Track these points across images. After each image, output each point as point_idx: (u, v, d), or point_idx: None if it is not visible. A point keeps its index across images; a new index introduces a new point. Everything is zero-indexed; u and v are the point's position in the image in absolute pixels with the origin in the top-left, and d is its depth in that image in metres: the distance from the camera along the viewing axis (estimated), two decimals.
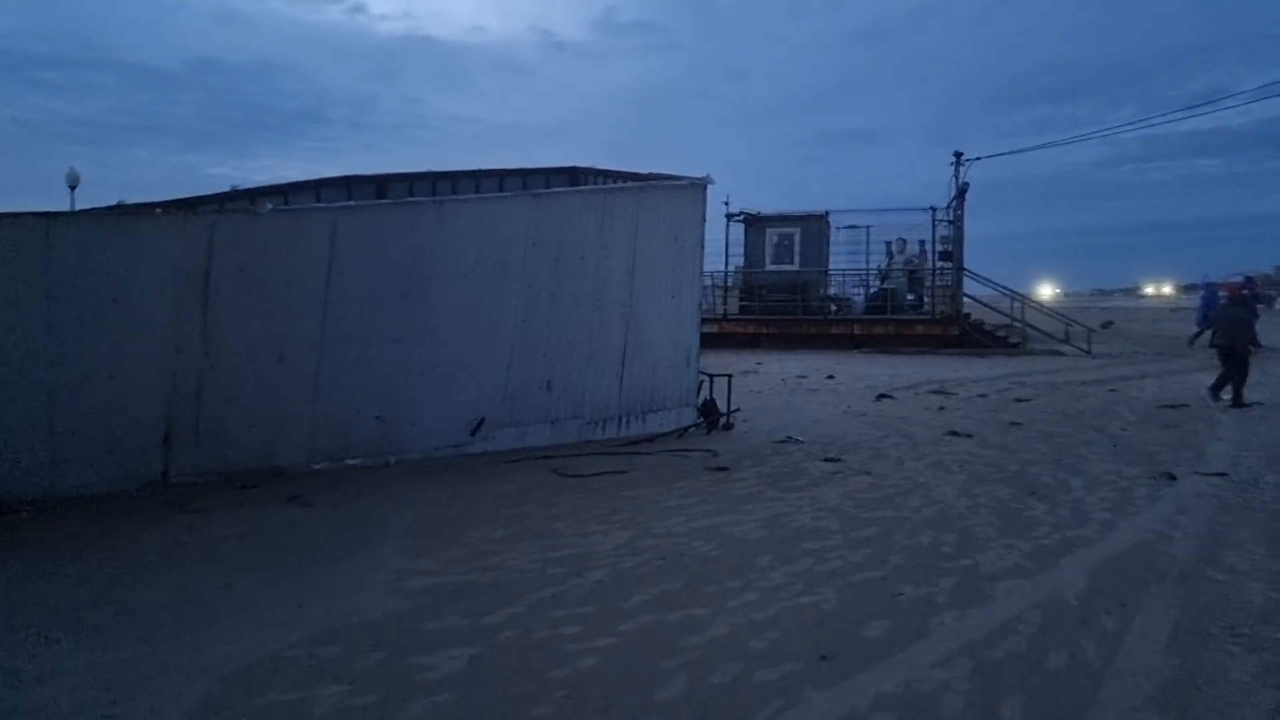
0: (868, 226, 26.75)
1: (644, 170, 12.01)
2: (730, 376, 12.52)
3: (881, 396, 15.18)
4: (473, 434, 10.12)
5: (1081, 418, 12.51)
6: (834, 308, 26.31)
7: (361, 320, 8.92)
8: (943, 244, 23.92)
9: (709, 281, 26.41)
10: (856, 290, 26.33)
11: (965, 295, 25.59)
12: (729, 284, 26.15)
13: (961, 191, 22.79)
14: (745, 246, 25.76)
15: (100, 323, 7.52)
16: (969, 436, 11.02)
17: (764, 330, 24.41)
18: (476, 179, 12.74)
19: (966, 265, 25.27)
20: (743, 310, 25.23)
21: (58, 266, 7.14)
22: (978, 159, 22.72)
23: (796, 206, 26.23)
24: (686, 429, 11.75)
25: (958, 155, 22.80)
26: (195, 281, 7.77)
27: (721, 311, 25.35)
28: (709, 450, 10.21)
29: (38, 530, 6.77)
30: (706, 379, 12.44)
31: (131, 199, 10.95)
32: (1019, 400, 14.39)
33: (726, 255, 26.06)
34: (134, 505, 7.49)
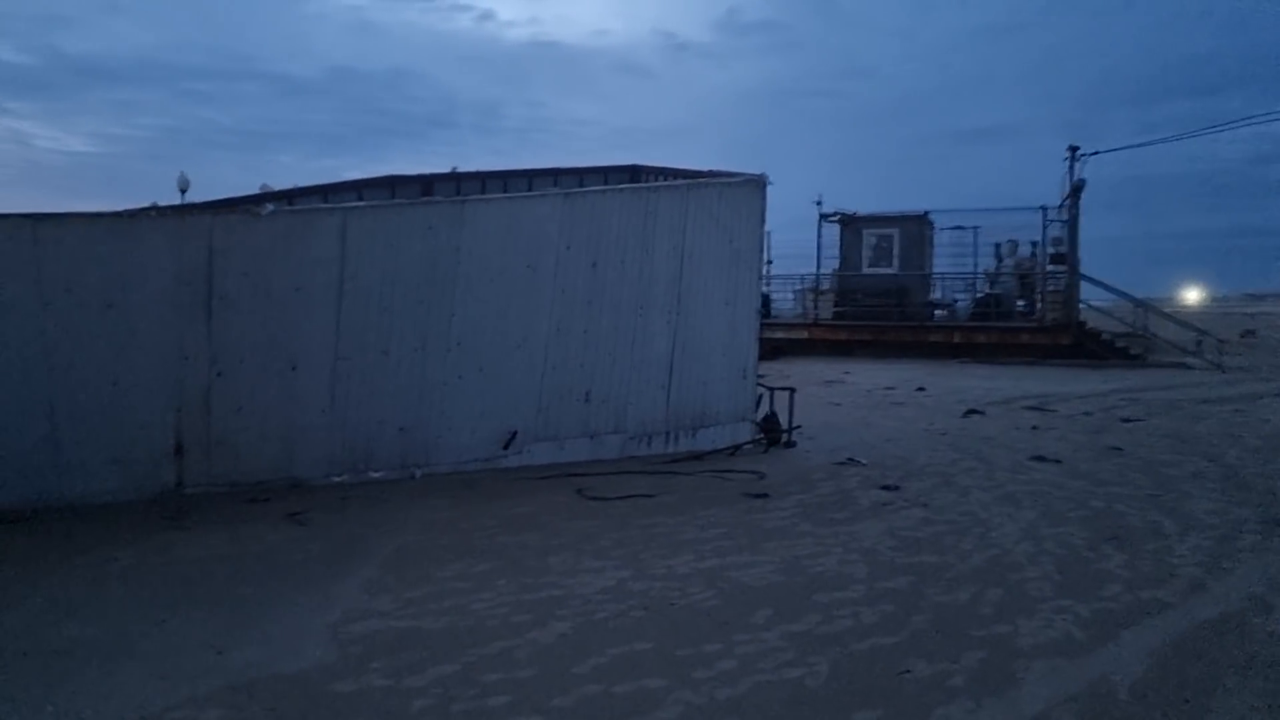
0: (975, 227, 25.18)
1: (742, 170, 11.11)
2: (793, 390, 11.60)
3: (970, 413, 13.96)
4: (505, 448, 9.55)
5: (1195, 443, 11.09)
6: (942, 312, 24.83)
7: (379, 327, 8.44)
8: (1055, 246, 22.20)
9: (799, 285, 25.37)
10: (961, 296, 24.77)
11: (1081, 301, 23.76)
12: (820, 288, 24.98)
13: (1076, 189, 21.05)
14: (840, 248, 24.56)
15: (97, 328, 7.22)
16: (1056, 463, 9.83)
17: (856, 337, 23.17)
18: (530, 178, 12.21)
19: (1085, 269, 23.46)
20: (835, 316, 24.02)
21: (49, 269, 6.86)
22: (1094, 154, 21.00)
23: (917, 208, 24.82)
24: (741, 446, 10.89)
25: (1072, 150, 21.05)
26: (196, 285, 7.40)
27: (811, 316, 24.21)
28: (755, 472, 9.36)
29: (23, 542, 6.49)
30: (767, 392, 11.56)
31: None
32: (1126, 420, 12.97)
33: (819, 257, 24.93)
34: (133, 518, 7.17)
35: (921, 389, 16.74)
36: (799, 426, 11.49)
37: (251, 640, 4.63)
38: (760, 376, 19.85)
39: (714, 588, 5.57)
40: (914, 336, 22.48)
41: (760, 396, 11.43)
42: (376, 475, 8.88)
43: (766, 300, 26.12)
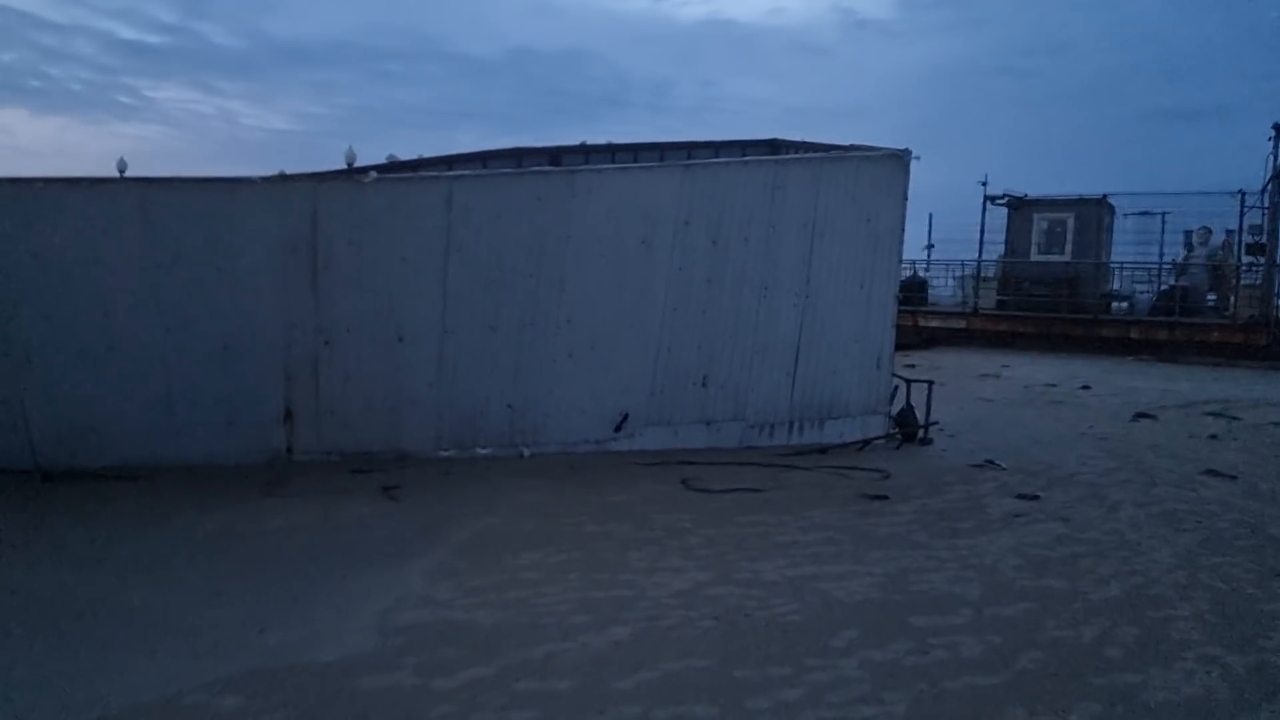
0: (1163, 213, 23.01)
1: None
2: (931, 383, 10.74)
3: (1140, 416, 12.63)
4: (616, 430, 9.24)
5: None
6: (1121, 304, 22.84)
7: (486, 301, 8.26)
8: (1252, 234, 19.92)
9: (961, 271, 23.93)
10: (1143, 287, 22.68)
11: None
12: (981, 274, 23.42)
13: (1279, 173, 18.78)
14: (1008, 233, 22.90)
15: (208, 292, 7.32)
16: (1232, 479, 8.65)
17: (1019, 329, 21.56)
18: (661, 151, 11.79)
19: None
20: (998, 305, 22.45)
21: (157, 233, 6.97)
22: None
23: (1096, 192, 22.87)
24: (872, 441, 10.17)
25: (1277, 128, 18.75)
26: (301, 252, 7.40)
27: (972, 305, 22.73)
28: (879, 470, 8.66)
29: (127, 502, 6.66)
30: (903, 384, 10.76)
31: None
32: None
33: (981, 242, 23.33)
34: (237, 483, 7.27)
35: (1086, 387, 15.35)
36: (936, 423, 10.64)
37: (296, 622, 4.46)
38: (910, 367, 18.87)
39: (799, 600, 5.04)
40: (1084, 330, 20.69)
41: (895, 389, 10.65)
42: (484, 452, 8.74)
43: (923, 286, 24.81)
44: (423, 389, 8.32)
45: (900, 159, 9.81)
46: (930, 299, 24.67)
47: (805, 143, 11.43)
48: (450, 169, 10.19)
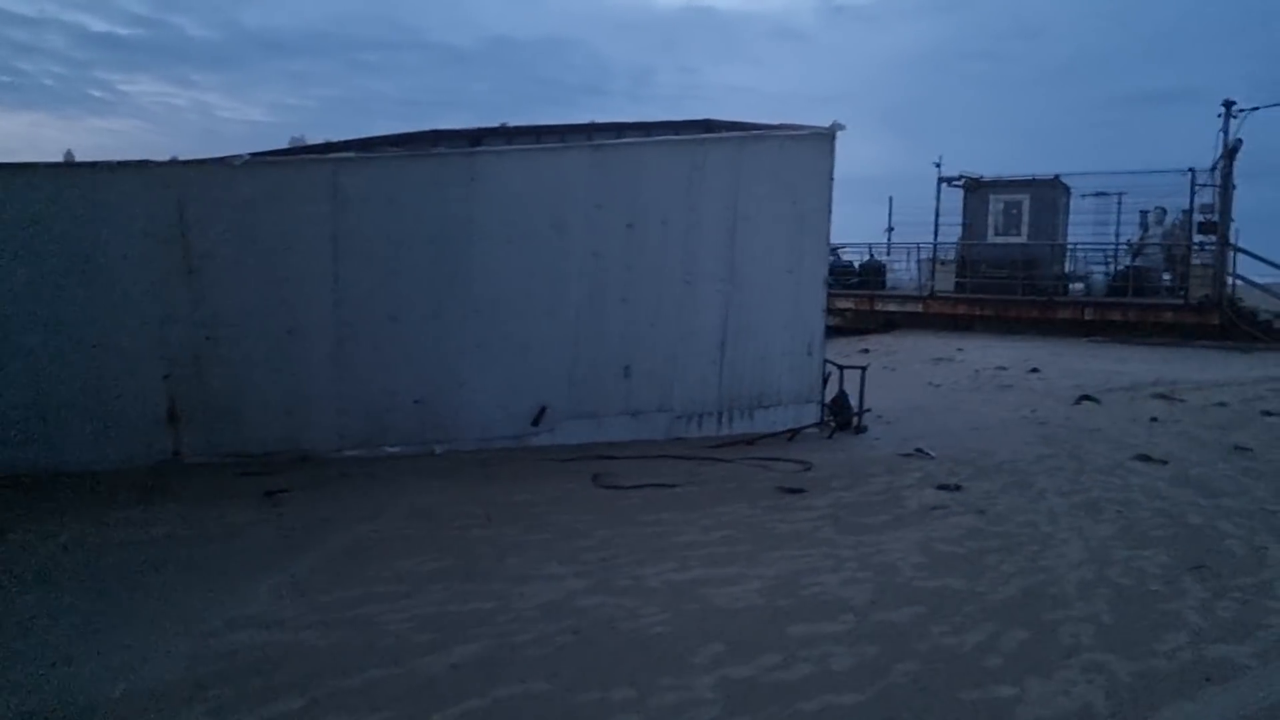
0: (1119, 194, 22.81)
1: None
2: (864, 369, 10.44)
3: (1084, 399, 12.40)
4: (535, 424, 8.88)
5: None
6: (1078, 286, 22.65)
7: (385, 292, 7.87)
8: (1204, 214, 19.72)
9: (921, 255, 23.67)
10: (1099, 268, 22.49)
11: (1237, 277, 21.19)
12: (941, 258, 23.14)
13: (1232, 151, 18.54)
14: (964, 215, 22.64)
15: (72, 287, 6.88)
16: (1163, 464, 8.41)
17: (976, 311, 21.33)
18: (590, 133, 11.38)
19: (1244, 241, 20.91)
20: (956, 288, 22.21)
21: (12, 224, 6.53)
22: (1254, 109, 18.36)
23: (1049, 172, 22.55)
24: (804, 430, 9.87)
25: (1227, 105, 18.50)
26: (172, 243, 6.97)
27: (928, 289, 22.46)
28: (803, 462, 8.35)
29: None
30: (836, 370, 10.46)
31: None
32: (1267, 414, 11.20)
33: (936, 224, 23.05)
34: (111, 489, 6.85)
35: (1036, 370, 15.12)
36: (869, 409, 10.36)
37: (109, 650, 4.07)
38: (866, 352, 18.58)
39: (675, 609, 4.70)
40: (1040, 312, 20.46)
41: (828, 375, 10.35)
42: (392, 450, 8.36)
43: (881, 270, 24.55)
44: (321, 385, 7.92)
45: (825, 137, 9.47)
46: (891, 282, 24.41)
47: (738, 123, 11.07)
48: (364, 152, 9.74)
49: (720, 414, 9.68)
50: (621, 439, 9.19)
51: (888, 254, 25.24)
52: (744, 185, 9.11)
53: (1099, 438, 9.80)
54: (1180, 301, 19.57)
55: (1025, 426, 10.54)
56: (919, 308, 22.07)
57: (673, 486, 7.41)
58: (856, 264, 24.76)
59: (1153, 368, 15.26)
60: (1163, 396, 12.52)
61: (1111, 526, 6.37)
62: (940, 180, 22.68)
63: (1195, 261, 19.91)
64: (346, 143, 9.95)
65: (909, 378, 15.29)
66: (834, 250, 25.95)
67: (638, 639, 4.31)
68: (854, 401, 10.35)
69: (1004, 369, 15.46)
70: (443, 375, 8.33)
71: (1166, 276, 21.65)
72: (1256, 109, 18.24)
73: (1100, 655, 4.16)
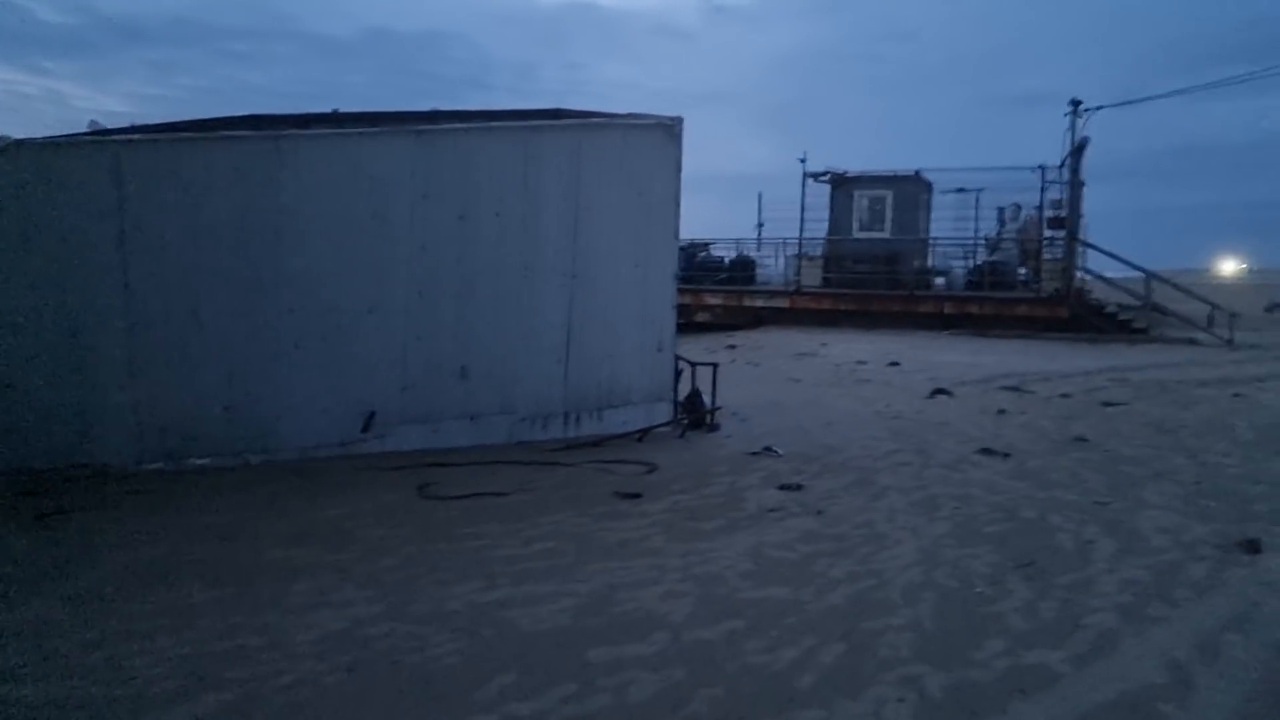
0: (978, 190, 23.46)
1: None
2: (716, 366, 10.21)
3: (937, 393, 12.50)
4: (364, 430, 8.28)
5: (1176, 435, 9.60)
6: (941, 280, 23.17)
7: (185, 289, 7.17)
8: (1054, 209, 20.42)
9: (789, 251, 23.79)
10: (959, 263, 23.07)
11: (1087, 271, 22.03)
12: (805, 253, 23.32)
13: (1079, 148, 19.22)
14: (830, 211, 22.89)
15: None
16: (1004, 457, 8.41)
17: (841, 306, 21.58)
18: (433, 120, 10.79)
19: (1100, 237, 21.76)
20: (824, 283, 22.41)
21: None
22: (1099, 108, 19.10)
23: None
24: (655, 429, 9.55)
25: (1074, 104, 19.18)
26: None
27: (794, 284, 22.60)
28: (647, 463, 8.02)
29: None
30: (688, 367, 10.19)
31: None
32: (1108, 405, 11.48)
33: (801, 220, 23.26)
34: None
35: (895, 364, 15.27)
36: (720, 407, 10.13)
37: None
38: (732, 348, 18.50)
39: (471, 635, 4.26)
40: (902, 306, 20.83)
41: (680, 373, 10.07)
42: (201, 462, 7.64)
43: (750, 265, 24.61)
44: (113, 392, 7.16)
45: (670, 128, 9.17)
46: (762, 278, 24.48)
47: (587, 112, 10.66)
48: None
49: (567, 415, 9.28)
50: (460, 444, 8.70)
51: (758, 250, 25.33)
52: (585, 175, 8.72)
53: (947, 431, 9.81)
54: (1033, 295, 20.20)
55: (878, 421, 10.49)
56: (786, 303, 22.18)
57: (503, 495, 6.96)
58: (727, 260, 24.75)
59: (1005, 360, 15.60)
60: (1012, 389, 12.73)
61: (947, 524, 6.23)
62: (805, 176, 22.86)
63: (1047, 256, 20.58)
64: (144, 127, 9.10)
65: (771, 373, 15.22)
66: (704, 246, 26.02)
67: (420, 674, 3.85)
68: (709, 399, 10.11)
69: (864, 363, 15.56)
70: (256, 379, 7.67)
71: (1022, 271, 22.33)
72: (1101, 108, 18.98)
73: (916, 668, 3.92)
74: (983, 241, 22.99)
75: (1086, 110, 18.84)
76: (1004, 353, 16.64)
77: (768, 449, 8.67)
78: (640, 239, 9.24)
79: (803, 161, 22.60)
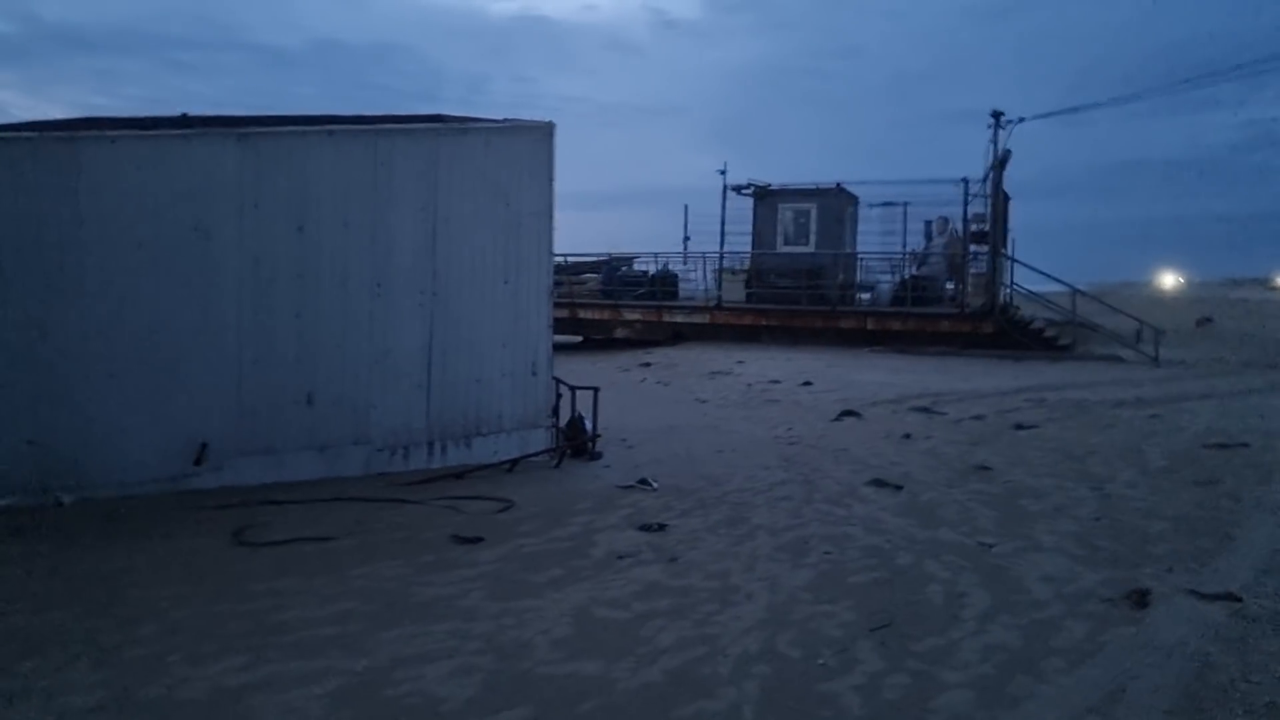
0: (905, 204, 23.11)
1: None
2: (596, 390, 9.51)
3: (845, 415, 11.95)
4: (196, 463, 7.44)
5: (1084, 461, 9.11)
6: (867, 295, 22.78)
7: None
8: (978, 223, 20.12)
9: (717, 265, 23.21)
10: (886, 278, 22.70)
11: (1014, 286, 21.80)
12: (729, 267, 22.79)
13: (1002, 161, 18.93)
14: (754, 224, 22.39)
15: None
16: (897, 489, 7.82)
17: (763, 322, 21.05)
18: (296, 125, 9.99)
19: (1031, 253, 21.52)
20: (748, 298, 21.87)
21: None
22: (1020, 120, 18.83)
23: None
24: (529, 458, 8.83)
25: (996, 116, 18.87)
26: None
27: (715, 299, 22.04)
28: (504, 500, 7.30)
29: None
30: (567, 391, 9.50)
31: None
32: (1019, 427, 10.99)
33: (722, 233, 22.73)
34: None
35: (808, 384, 14.71)
36: (601, 434, 9.44)
37: None
38: (646, 365, 17.79)
39: None
40: (824, 322, 20.33)
41: (559, 397, 9.37)
42: (3, 503, 6.76)
43: (673, 280, 24.02)
44: None
45: (542, 132, 8.49)
46: (687, 293, 23.88)
47: (468, 118, 9.93)
48: None
49: (431, 445, 8.52)
50: (308, 477, 7.90)
51: (684, 263, 24.75)
52: (444, 184, 8.00)
53: (844, 458, 9.22)
54: (956, 310, 19.82)
55: (774, 447, 9.88)
56: (706, 319, 21.60)
57: (327, 540, 6.19)
58: (650, 273, 24.10)
59: (922, 379, 15.14)
60: (923, 410, 12.22)
61: (811, 572, 5.58)
62: (726, 188, 22.34)
63: (974, 271, 20.23)
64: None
65: (680, 393, 14.60)
66: (628, 260, 25.36)
67: None
68: (595, 424, 9.42)
69: (777, 382, 14.99)
70: (62, 409, 6.81)
71: (950, 285, 21.95)
72: (1023, 120, 18.69)
73: None
74: (909, 256, 22.63)
75: (1009, 122, 18.59)
76: (923, 371, 16.19)
77: (643, 481, 8.00)
78: (510, 253, 8.53)
79: (722, 173, 22.11)
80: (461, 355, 8.44)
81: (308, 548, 6.03)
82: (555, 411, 9.30)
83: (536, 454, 8.89)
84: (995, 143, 18.75)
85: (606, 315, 22.78)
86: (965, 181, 20.08)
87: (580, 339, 24.57)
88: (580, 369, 19.29)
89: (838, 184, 21.60)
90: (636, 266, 24.68)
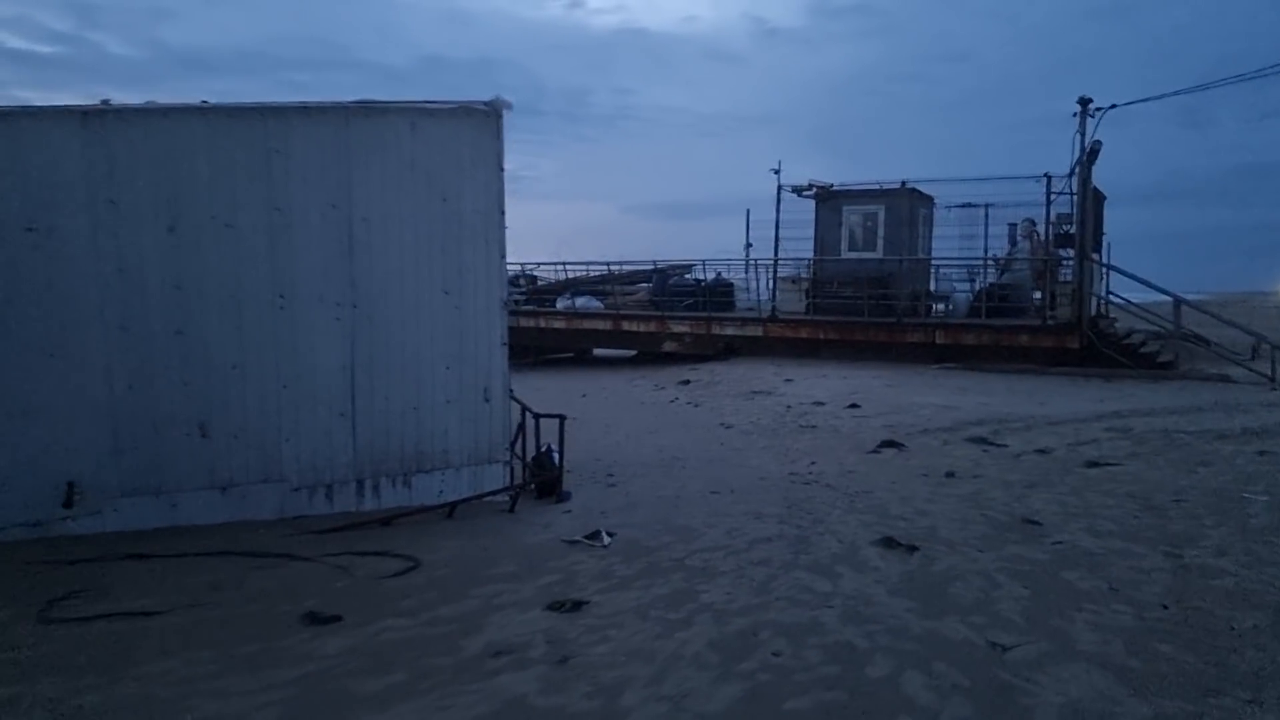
0: (986, 205, 21.01)
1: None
2: (563, 418, 8.10)
3: (885, 445, 10.25)
4: (67, 506, 6.34)
5: (1165, 514, 7.26)
6: (941, 308, 20.74)
7: None
8: (1065, 224, 17.91)
9: (782, 272, 21.43)
10: (962, 286, 20.59)
11: (1109, 296, 19.49)
12: (792, 275, 20.97)
13: (1091, 153, 16.72)
14: (816, 228, 20.58)
15: None
16: (910, 551, 6.18)
17: (821, 335, 19.22)
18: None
19: (1131, 261, 19.22)
20: (809, 309, 20.07)
21: None
22: (1111, 107, 16.53)
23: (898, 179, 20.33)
24: (477, 499, 7.48)
25: (1084, 103, 16.61)
26: None
27: (769, 310, 20.28)
28: (410, 558, 5.97)
29: None
30: (530, 419, 8.12)
31: None
32: (1091, 465, 9.13)
33: (776, 238, 20.90)
34: None
35: (855, 406, 12.97)
36: (570, 470, 8.03)
37: None
38: (684, 384, 16.25)
39: None
40: (888, 336, 18.39)
41: (519, 427, 8.00)
42: None
43: (729, 289, 22.39)
44: None
45: (485, 115, 7.15)
46: (746, 304, 22.15)
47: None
48: None
49: (361, 483, 7.26)
50: (210, 520, 6.76)
51: (745, 273, 23.07)
52: (361, 177, 6.74)
53: (861, 505, 7.59)
54: (1038, 323, 17.65)
55: (782, 488, 8.30)
56: (759, 331, 19.89)
57: (151, 615, 4.95)
58: (703, 281, 22.49)
59: (990, 401, 13.23)
60: (979, 440, 10.43)
61: (739, 688, 4.06)
62: (780, 189, 20.57)
63: (1065, 279, 18.01)
64: None
65: (707, 416, 13.08)
66: (684, 269, 23.82)
67: None
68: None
69: (820, 405, 13.29)
70: None
71: (1038, 295, 19.66)
72: (1114, 106, 16.44)
73: None
74: (991, 262, 20.48)
75: (1098, 110, 16.37)
76: (992, 392, 14.23)
77: (595, 535, 6.55)
78: (450, 258, 7.21)
79: (776, 173, 20.31)
80: (394, 378, 7.16)
81: (119, 625, 4.80)
82: (515, 444, 7.93)
83: (487, 495, 7.54)
84: (1083, 133, 16.58)
85: (653, 328, 21.29)
86: (1048, 177, 17.91)
87: (634, 352, 23.20)
88: (612, 386, 17.90)
89: (901, 182, 19.64)
90: (697, 274, 23.08)
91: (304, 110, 6.55)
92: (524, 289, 25.23)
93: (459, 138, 7.07)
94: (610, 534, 6.56)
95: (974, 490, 8.15)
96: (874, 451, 10.04)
